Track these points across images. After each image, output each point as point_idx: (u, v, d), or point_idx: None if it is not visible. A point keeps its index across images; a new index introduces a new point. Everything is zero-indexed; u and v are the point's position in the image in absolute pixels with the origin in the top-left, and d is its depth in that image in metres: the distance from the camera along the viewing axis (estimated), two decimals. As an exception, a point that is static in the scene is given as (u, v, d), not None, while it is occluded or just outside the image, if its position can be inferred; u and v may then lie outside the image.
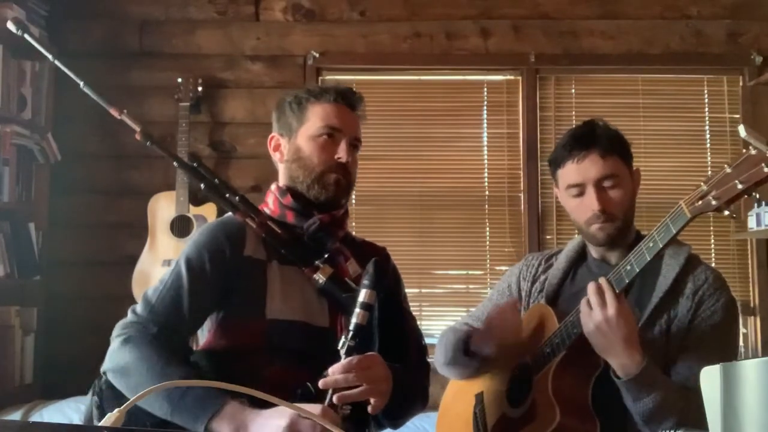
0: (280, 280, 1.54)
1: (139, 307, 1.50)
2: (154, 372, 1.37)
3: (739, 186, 1.29)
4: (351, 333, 1.36)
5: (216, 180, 1.63)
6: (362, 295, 1.37)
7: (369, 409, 1.41)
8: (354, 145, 1.65)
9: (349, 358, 1.35)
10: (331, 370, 1.35)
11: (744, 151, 1.29)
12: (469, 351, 1.77)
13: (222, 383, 1.07)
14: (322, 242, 1.57)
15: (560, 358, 1.61)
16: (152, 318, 1.47)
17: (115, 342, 1.45)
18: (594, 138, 1.69)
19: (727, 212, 1.34)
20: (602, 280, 1.53)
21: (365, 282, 1.38)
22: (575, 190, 1.69)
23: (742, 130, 1.27)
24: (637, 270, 1.49)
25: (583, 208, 1.68)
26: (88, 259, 3.42)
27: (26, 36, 1.65)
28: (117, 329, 1.48)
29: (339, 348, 1.37)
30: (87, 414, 1.48)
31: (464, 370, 1.83)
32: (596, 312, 1.50)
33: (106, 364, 1.45)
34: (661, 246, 1.45)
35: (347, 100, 1.66)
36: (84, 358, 3.44)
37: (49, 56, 1.62)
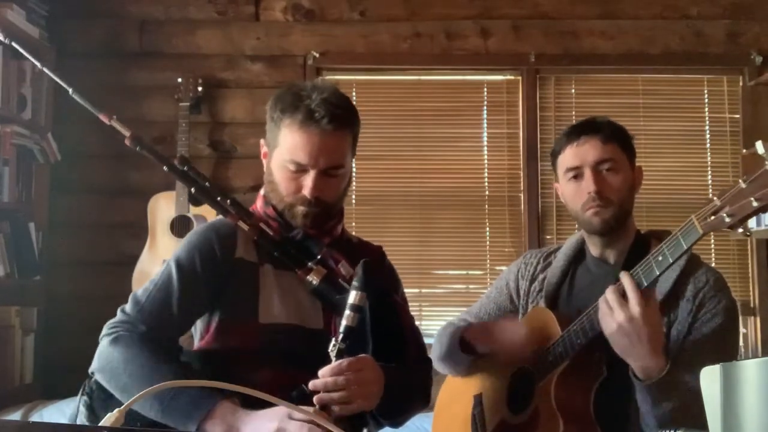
0: (272, 284, 1.52)
1: (128, 307, 1.48)
2: (144, 372, 1.35)
3: (755, 204, 1.23)
4: (341, 335, 1.35)
5: (207, 184, 1.61)
6: (352, 297, 1.36)
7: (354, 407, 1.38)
8: (329, 173, 1.53)
9: (339, 361, 1.35)
10: (320, 372, 1.34)
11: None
12: (464, 345, 1.77)
13: (220, 383, 1.07)
14: (309, 249, 1.55)
15: (563, 367, 1.59)
16: (141, 317, 1.45)
17: (103, 342, 1.44)
18: (596, 126, 1.70)
19: (740, 230, 1.28)
20: (624, 277, 1.45)
21: (355, 284, 1.37)
22: (573, 173, 1.69)
23: (760, 147, 1.23)
24: (645, 284, 1.45)
25: (580, 192, 1.67)
26: (88, 259, 3.42)
27: (13, 44, 1.66)
28: (106, 329, 1.46)
29: (329, 351, 1.36)
30: (73, 413, 1.47)
31: (457, 366, 1.82)
32: (618, 312, 1.42)
33: (95, 365, 1.43)
34: (671, 261, 1.41)
35: (320, 121, 1.49)
36: (84, 358, 3.43)
37: (38, 63, 1.63)
